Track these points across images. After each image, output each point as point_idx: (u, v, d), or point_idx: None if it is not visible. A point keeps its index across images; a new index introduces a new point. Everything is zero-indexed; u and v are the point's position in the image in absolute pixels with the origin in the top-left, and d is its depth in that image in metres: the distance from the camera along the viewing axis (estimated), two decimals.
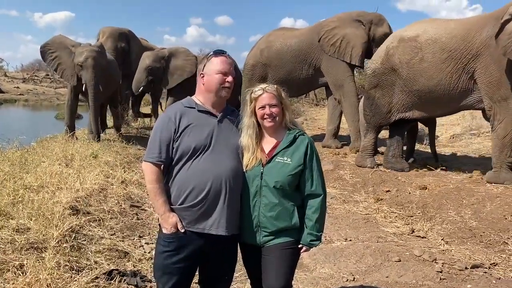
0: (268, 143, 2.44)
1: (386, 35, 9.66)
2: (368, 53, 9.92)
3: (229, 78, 2.36)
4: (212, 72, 2.36)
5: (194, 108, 2.39)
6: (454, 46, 6.30)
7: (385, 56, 7.18)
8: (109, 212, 4.92)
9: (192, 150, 2.29)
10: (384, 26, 9.93)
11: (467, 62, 6.22)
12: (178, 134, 2.31)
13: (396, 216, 5.63)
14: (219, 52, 2.40)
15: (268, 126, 2.40)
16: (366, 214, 5.77)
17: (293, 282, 3.50)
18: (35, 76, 41.76)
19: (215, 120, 2.38)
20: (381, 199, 6.30)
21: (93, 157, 7.28)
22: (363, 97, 8.47)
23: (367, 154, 7.78)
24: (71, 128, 10.08)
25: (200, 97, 2.43)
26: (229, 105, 2.53)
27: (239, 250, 2.52)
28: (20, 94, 34.68)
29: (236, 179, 2.34)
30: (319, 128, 13.80)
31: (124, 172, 6.80)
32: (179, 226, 2.30)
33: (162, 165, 2.36)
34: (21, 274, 3.02)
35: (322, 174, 2.45)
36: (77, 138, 9.59)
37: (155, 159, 2.33)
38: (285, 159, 2.37)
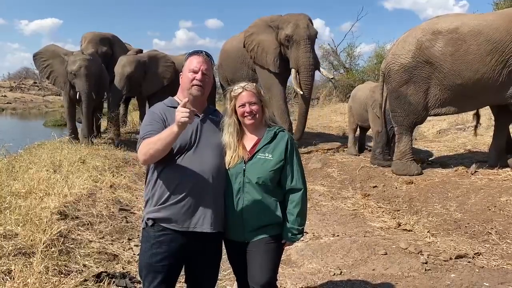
0: (249, 140, 2.48)
1: (287, 37, 9.37)
2: (286, 56, 9.71)
3: (198, 76, 2.38)
4: (185, 70, 2.43)
5: (176, 107, 2.43)
6: (498, 38, 6.02)
7: (417, 50, 6.55)
8: (98, 216, 4.92)
9: (176, 149, 2.31)
10: (287, 28, 9.41)
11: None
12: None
13: (383, 211, 5.71)
14: (194, 52, 2.46)
15: (248, 124, 2.44)
16: (354, 210, 5.85)
17: (281, 278, 3.59)
18: (23, 84, 41.35)
19: (197, 120, 2.41)
20: (369, 195, 6.39)
21: (81, 162, 7.26)
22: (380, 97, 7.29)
23: (408, 159, 6.92)
24: (74, 133, 10.80)
25: (180, 96, 2.47)
26: (211, 106, 2.58)
27: (224, 248, 2.55)
28: (7, 103, 34.35)
29: (219, 177, 2.38)
30: (307, 128, 13.84)
31: (113, 177, 6.79)
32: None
33: None
34: (9, 279, 3.02)
35: (302, 169, 2.49)
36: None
37: (150, 133, 2.30)
38: (267, 155, 2.41)
